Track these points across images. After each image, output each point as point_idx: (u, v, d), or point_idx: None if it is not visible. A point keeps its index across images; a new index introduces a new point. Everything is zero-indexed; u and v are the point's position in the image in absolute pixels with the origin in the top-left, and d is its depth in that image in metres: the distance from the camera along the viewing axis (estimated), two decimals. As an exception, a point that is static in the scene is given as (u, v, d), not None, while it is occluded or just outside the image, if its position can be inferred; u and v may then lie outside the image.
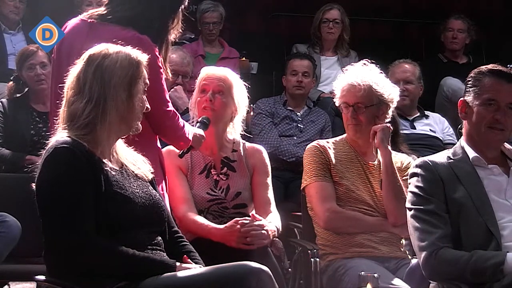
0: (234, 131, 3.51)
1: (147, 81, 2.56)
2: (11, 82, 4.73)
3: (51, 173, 2.39)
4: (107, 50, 2.52)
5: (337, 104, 3.53)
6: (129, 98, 2.49)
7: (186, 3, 3.09)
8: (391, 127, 3.45)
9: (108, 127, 2.47)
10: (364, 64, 3.51)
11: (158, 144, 3.12)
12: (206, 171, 3.41)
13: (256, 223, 3.14)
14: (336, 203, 3.37)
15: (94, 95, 2.45)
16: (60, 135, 2.45)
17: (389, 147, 3.40)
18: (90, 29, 2.93)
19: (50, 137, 2.50)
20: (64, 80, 2.54)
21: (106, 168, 2.46)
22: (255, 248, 3.08)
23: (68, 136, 2.43)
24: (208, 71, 3.48)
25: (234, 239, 3.11)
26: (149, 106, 2.57)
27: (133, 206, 2.46)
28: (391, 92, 3.48)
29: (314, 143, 3.53)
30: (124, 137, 2.61)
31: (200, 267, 2.57)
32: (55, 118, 2.55)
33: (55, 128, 2.51)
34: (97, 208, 2.38)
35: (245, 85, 3.50)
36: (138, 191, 2.53)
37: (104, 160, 2.48)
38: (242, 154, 3.49)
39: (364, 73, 3.45)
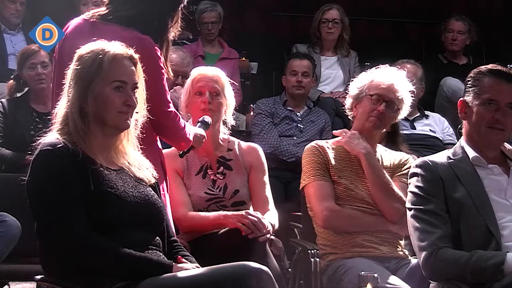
0: (225, 127, 3.52)
1: (124, 77, 2.51)
2: (11, 81, 4.74)
3: (36, 177, 2.41)
4: (85, 49, 2.52)
5: (355, 92, 3.50)
6: (87, 96, 2.46)
7: (185, 2, 3.09)
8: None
9: (84, 128, 2.46)
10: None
11: (159, 145, 3.12)
12: (203, 171, 3.42)
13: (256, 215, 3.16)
14: (336, 202, 3.37)
15: (68, 95, 2.48)
16: (48, 136, 2.47)
17: (364, 151, 3.40)
18: (92, 29, 2.92)
19: None
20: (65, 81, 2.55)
21: (94, 167, 2.44)
22: (253, 236, 3.08)
23: (55, 137, 2.44)
24: (200, 72, 3.50)
25: (234, 218, 3.13)
26: (136, 102, 2.53)
27: (125, 205, 2.45)
28: (405, 113, 3.54)
29: (312, 143, 3.54)
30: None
31: (196, 266, 2.57)
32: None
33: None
34: (89, 207, 2.38)
35: (231, 82, 3.53)
36: (132, 190, 2.51)
37: (94, 159, 2.47)
38: (237, 152, 3.51)
39: (404, 83, 3.50)
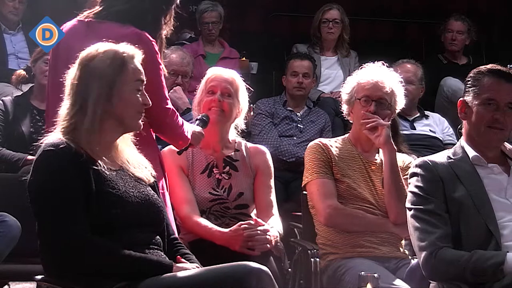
0: (235, 131, 3.52)
1: (142, 77, 2.53)
2: (21, 70, 4.76)
3: (38, 177, 2.41)
4: (95, 50, 2.52)
5: (346, 98, 3.50)
6: (112, 96, 2.46)
7: (178, 1, 3.10)
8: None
9: (98, 128, 2.46)
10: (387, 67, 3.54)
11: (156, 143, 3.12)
12: (208, 170, 3.41)
13: (260, 228, 3.14)
14: (338, 201, 3.37)
15: (78, 97, 2.47)
16: (51, 136, 2.47)
17: (390, 146, 3.41)
18: (88, 29, 2.93)
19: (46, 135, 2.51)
20: (62, 82, 2.54)
21: (97, 168, 2.45)
22: (258, 253, 3.08)
23: (58, 137, 2.44)
24: (215, 72, 3.49)
25: (238, 243, 3.11)
26: (150, 102, 2.55)
27: (126, 206, 2.46)
28: (401, 104, 3.52)
29: (316, 141, 3.53)
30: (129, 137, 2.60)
31: (197, 266, 2.57)
32: (52, 119, 2.55)
33: (51, 129, 2.52)
34: (90, 208, 2.39)
35: (247, 87, 3.51)
36: (133, 191, 2.52)
37: (97, 160, 2.47)
38: (244, 154, 3.49)
39: (390, 76, 3.48)
